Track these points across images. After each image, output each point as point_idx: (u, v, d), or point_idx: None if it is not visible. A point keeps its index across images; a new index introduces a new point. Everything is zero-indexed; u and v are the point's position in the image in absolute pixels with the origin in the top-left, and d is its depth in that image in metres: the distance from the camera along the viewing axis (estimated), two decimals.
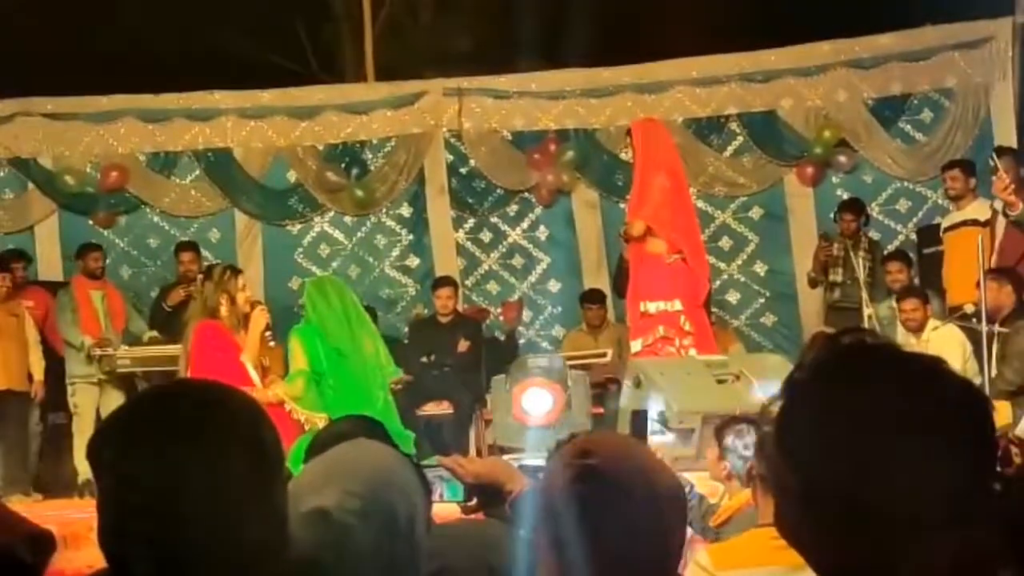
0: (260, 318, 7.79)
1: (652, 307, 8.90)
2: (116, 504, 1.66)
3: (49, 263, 12.07)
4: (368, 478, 1.99)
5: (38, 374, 10.35)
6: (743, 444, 4.97)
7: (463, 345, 10.96)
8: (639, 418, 5.55)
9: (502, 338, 11.72)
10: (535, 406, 8.46)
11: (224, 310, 7.73)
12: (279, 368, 11.39)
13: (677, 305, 8.89)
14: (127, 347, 10.40)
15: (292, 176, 12.59)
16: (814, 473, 1.44)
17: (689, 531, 4.89)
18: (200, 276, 8.86)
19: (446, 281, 11.44)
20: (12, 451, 10.22)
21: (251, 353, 7.76)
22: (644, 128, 9.64)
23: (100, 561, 1.69)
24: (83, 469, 10.09)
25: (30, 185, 12.37)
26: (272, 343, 8.16)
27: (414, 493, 2.06)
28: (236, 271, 8.13)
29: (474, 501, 2.95)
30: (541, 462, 3.97)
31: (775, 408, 1.52)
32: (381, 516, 1.94)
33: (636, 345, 9.01)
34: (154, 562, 1.62)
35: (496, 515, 2.87)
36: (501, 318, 12.01)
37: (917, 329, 9.45)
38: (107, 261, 11.44)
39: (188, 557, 1.62)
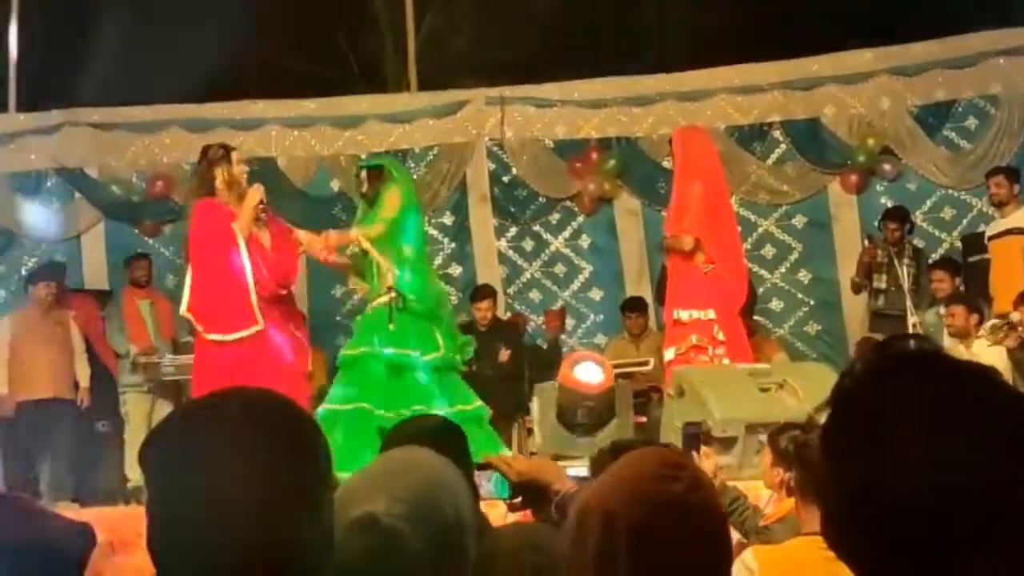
0: (254, 194, 7.99)
1: (685, 315, 8.89)
2: (164, 511, 1.68)
3: (95, 271, 12.17)
4: (417, 484, 2.00)
5: (84, 381, 10.43)
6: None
7: (504, 355, 10.96)
8: (690, 430, 5.53)
9: (544, 346, 11.73)
10: (588, 375, 8.43)
11: (219, 183, 7.97)
12: (321, 376, 11.47)
13: (711, 314, 8.86)
14: (172, 355, 10.49)
15: (335, 185, 12.65)
16: (861, 483, 1.42)
17: (736, 535, 4.91)
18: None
19: (485, 293, 11.41)
20: (59, 458, 10.29)
21: (243, 222, 7.91)
22: (684, 136, 9.60)
23: (149, 567, 1.71)
24: (134, 476, 10.19)
25: (76, 194, 12.49)
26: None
27: (462, 500, 2.07)
28: (229, 148, 8.32)
29: (519, 500, 2.98)
30: (585, 472, 4.00)
31: (822, 416, 1.51)
32: (430, 522, 1.95)
33: (669, 353, 9.00)
34: (200, 570, 1.64)
35: (541, 514, 2.89)
36: (544, 326, 12.02)
37: (960, 336, 9.40)
38: (152, 270, 11.58)
39: (234, 566, 1.63)
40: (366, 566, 1.88)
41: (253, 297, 7.85)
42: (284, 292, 8.15)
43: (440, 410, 7.59)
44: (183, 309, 8.11)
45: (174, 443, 1.70)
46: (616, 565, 2.01)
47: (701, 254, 9.00)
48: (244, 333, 7.85)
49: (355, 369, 7.99)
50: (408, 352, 7.86)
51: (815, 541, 3.51)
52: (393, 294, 7.80)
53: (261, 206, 7.99)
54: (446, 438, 3.14)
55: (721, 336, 8.83)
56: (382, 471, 2.07)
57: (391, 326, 7.71)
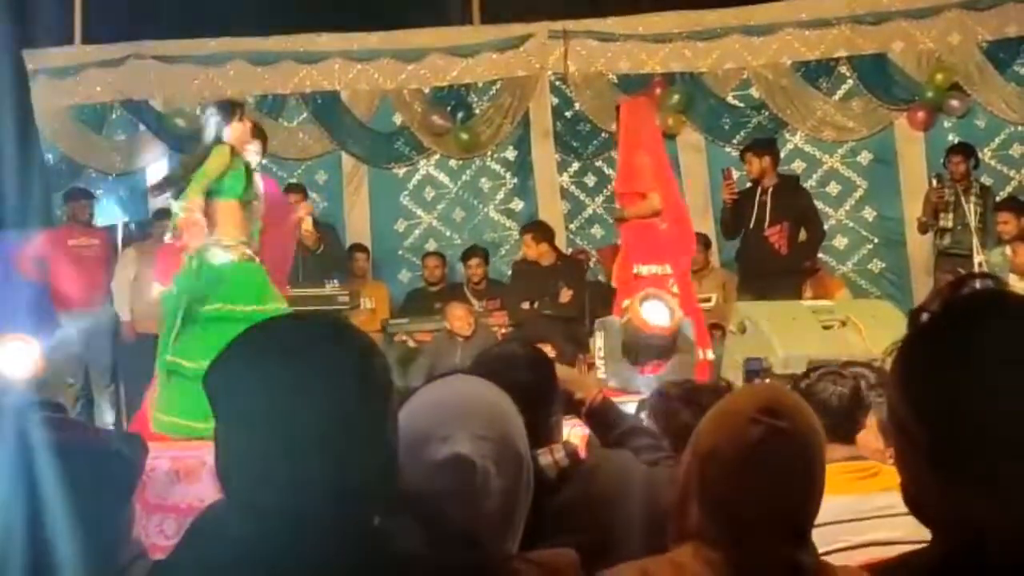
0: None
1: (644, 270, 8.98)
2: (230, 436, 1.69)
3: (159, 205, 12.24)
4: (490, 421, 2.01)
5: None
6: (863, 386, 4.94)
7: (566, 295, 10.98)
8: (752, 364, 5.52)
9: (604, 280, 11.72)
10: (656, 316, 8.40)
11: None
12: (384, 309, 11.54)
13: (668, 269, 8.97)
14: None
15: (398, 119, 12.65)
16: (942, 422, 1.40)
17: None
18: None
19: (531, 229, 11.45)
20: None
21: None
22: (629, 108, 9.62)
23: (212, 495, 1.73)
24: None
25: (141, 127, 12.57)
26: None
27: (523, 432, 2.09)
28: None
29: None
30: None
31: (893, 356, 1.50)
32: (508, 457, 1.98)
33: (625, 304, 9.05)
34: (268, 494, 1.65)
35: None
36: (600, 263, 12.00)
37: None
38: None
39: (304, 486, 1.65)
40: (459, 504, 1.90)
41: None
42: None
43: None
44: None
45: (236, 369, 1.72)
46: (690, 499, 2.06)
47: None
48: None
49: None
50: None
51: (843, 466, 3.55)
52: None
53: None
54: (537, 366, 3.18)
55: (675, 290, 8.89)
56: (452, 406, 2.06)
57: None
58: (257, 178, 8.05)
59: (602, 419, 3.41)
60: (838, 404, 3.76)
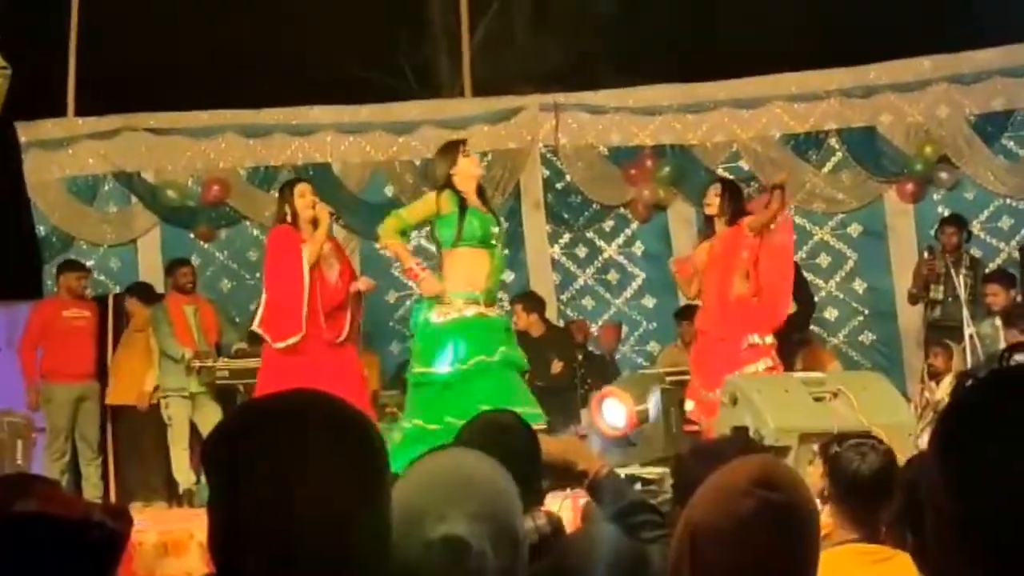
0: (324, 217, 8.60)
1: (758, 340, 9.04)
2: (230, 508, 1.69)
3: (150, 276, 12.22)
4: (488, 500, 1.99)
5: (149, 387, 10.76)
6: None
7: (556, 367, 10.96)
8: (740, 435, 5.50)
9: (598, 353, 11.71)
10: (612, 418, 8.46)
11: (289, 217, 8.56)
12: (374, 380, 11.51)
13: (769, 340, 9.04)
14: (226, 359, 10.56)
15: (390, 190, 12.67)
16: (979, 496, 1.32)
17: None
18: None
19: (522, 300, 11.54)
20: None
21: (312, 248, 8.44)
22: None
23: (199, 568, 1.73)
24: (183, 479, 10.28)
25: (133, 199, 12.58)
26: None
27: (520, 509, 2.08)
28: (294, 182, 9.08)
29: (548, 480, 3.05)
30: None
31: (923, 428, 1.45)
32: (505, 539, 1.95)
33: (749, 371, 9.10)
34: (267, 564, 1.65)
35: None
36: (599, 339, 11.99)
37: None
38: (208, 273, 11.70)
39: (299, 562, 1.64)
40: None
41: (304, 309, 8.32)
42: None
43: None
44: (255, 325, 8.75)
45: (236, 443, 1.72)
46: (682, 569, 2.05)
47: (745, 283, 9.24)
48: (292, 340, 8.27)
49: None
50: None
51: (855, 547, 3.52)
52: None
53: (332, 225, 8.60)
54: (529, 434, 3.20)
55: (778, 360, 8.98)
56: (447, 482, 2.04)
57: None
58: (473, 219, 7.81)
59: (605, 492, 3.39)
60: (864, 479, 3.80)
